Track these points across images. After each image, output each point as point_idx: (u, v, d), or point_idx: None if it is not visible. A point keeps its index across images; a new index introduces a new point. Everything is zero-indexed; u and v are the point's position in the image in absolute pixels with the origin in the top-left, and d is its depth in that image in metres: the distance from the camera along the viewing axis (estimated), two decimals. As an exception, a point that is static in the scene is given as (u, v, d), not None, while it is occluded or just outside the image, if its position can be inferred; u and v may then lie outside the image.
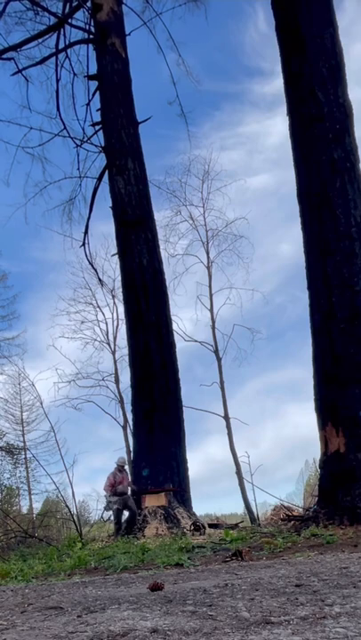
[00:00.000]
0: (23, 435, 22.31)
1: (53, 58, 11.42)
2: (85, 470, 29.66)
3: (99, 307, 19.18)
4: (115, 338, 18.74)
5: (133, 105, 10.04)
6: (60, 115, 12.02)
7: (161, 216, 17.19)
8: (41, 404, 15.38)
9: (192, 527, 8.65)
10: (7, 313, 21.86)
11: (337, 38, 6.75)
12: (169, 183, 17.20)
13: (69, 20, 10.90)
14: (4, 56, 11.18)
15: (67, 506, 12.60)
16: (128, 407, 17.76)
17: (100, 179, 11.45)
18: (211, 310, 17.40)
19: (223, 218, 17.50)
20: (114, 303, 18.93)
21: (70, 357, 19.16)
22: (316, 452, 6.28)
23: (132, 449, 16.65)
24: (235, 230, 17.38)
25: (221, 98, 32.99)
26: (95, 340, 18.92)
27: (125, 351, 16.87)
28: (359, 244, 5.97)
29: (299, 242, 6.61)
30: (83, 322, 18.95)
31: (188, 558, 4.12)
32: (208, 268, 17.44)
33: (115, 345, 18.71)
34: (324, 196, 6.20)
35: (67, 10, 11.03)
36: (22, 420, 22.51)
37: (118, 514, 8.99)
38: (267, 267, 28.23)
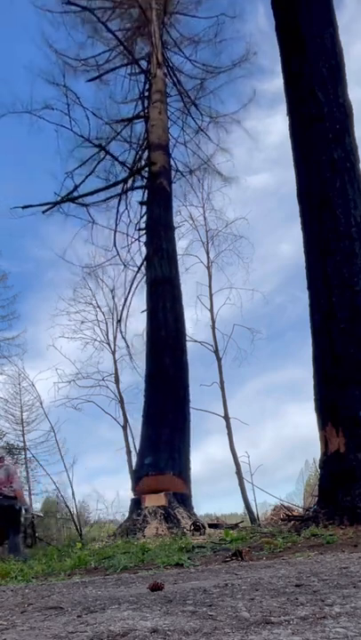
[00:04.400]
0: (23, 435, 22.35)
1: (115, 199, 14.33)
2: (85, 470, 29.68)
3: (99, 307, 19.21)
4: (115, 338, 18.76)
5: (173, 231, 12.51)
6: (115, 246, 15.18)
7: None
8: (41, 404, 15.43)
9: (192, 527, 8.65)
10: (7, 313, 21.93)
11: (337, 38, 6.76)
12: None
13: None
14: (78, 201, 14.13)
15: (67, 506, 12.63)
16: (128, 407, 17.82)
17: (138, 268, 14.48)
18: (211, 310, 17.49)
19: (223, 218, 17.57)
20: (114, 303, 18.95)
21: (70, 357, 19.14)
22: (316, 451, 6.29)
23: (131, 448, 16.75)
24: (235, 230, 17.45)
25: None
26: (95, 339, 18.94)
27: (125, 351, 17.24)
28: (359, 244, 5.97)
29: (299, 242, 6.62)
30: (83, 322, 18.98)
31: (188, 558, 4.12)
32: (208, 268, 17.49)
33: (115, 345, 18.72)
34: (324, 196, 6.20)
35: (136, 164, 13.82)
36: (22, 419, 22.54)
37: None
38: (267, 267, 28.24)
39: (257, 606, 1.81)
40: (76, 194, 13.81)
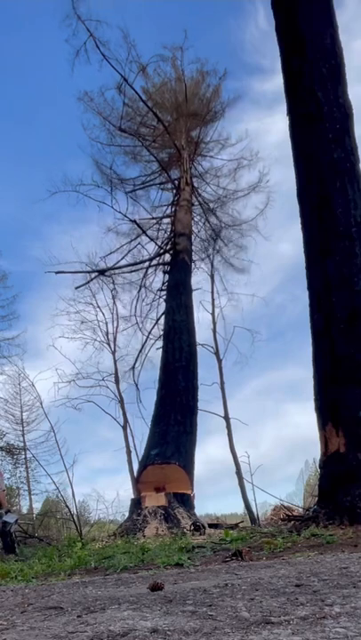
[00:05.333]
0: (23, 435, 22.31)
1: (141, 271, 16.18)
2: (85, 470, 29.61)
3: (99, 307, 19.17)
4: (115, 338, 18.73)
5: (192, 292, 14.26)
6: (136, 317, 16.63)
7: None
8: (41, 404, 15.37)
9: (192, 527, 8.65)
10: (7, 313, 21.86)
11: (337, 38, 6.76)
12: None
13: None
14: (107, 273, 15.80)
15: (67, 506, 12.62)
16: (128, 407, 17.81)
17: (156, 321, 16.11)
18: (212, 314, 17.72)
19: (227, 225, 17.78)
20: (114, 303, 18.95)
21: (70, 357, 19.09)
22: (316, 451, 6.28)
23: (131, 448, 16.79)
24: (238, 239, 17.72)
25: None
26: (95, 339, 18.91)
27: (125, 351, 17.96)
28: (359, 244, 5.97)
29: (299, 242, 6.62)
30: (83, 322, 18.94)
31: (188, 558, 4.12)
32: (211, 276, 17.88)
33: (115, 345, 18.70)
34: (324, 196, 6.19)
35: (164, 247, 15.74)
36: (22, 420, 22.50)
37: None
38: (267, 266, 28.17)
39: (257, 606, 1.81)
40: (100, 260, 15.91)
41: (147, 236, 15.53)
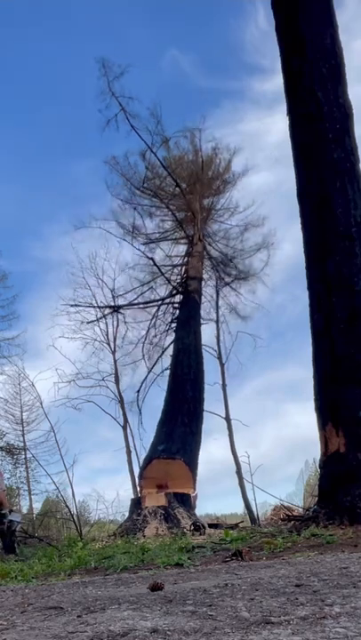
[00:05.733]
0: (23, 435, 22.30)
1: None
2: (85, 470, 29.59)
3: (99, 307, 19.15)
4: (115, 338, 18.74)
5: (200, 325, 15.34)
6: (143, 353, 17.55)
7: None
8: (41, 404, 15.36)
9: (192, 527, 8.66)
10: (7, 313, 21.84)
11: (337, 38, 6.75)
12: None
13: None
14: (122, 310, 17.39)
15: (67, 506, 12.60)
16: (128, 407, 17.82)
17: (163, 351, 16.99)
18: (217, 322, 18.24)
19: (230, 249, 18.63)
20: (114, 303, 18.93)
21: (70, 357, 19.08)
22: (316, 451, 6.27)
23: (131, 448, 16.80)
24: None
25: (222, 95, 32.97)
26: (95, 339, 18.90)
27: (124, 352, 18.36)
28: (359, 244, 5.96)
29: (299, 242, 6.61)
30: (83, 322, 18.93)
31: (188, 558, 4.12)
32: (217, 291, 18.47)
33: (115, 345, 18.70)
34: (324, 196, 6.19)
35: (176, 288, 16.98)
36: (22, 420, 22.49)
37: None
38: (267, 266, 28.14)
39: (257, 606, 1.81)
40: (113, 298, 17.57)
41: (162, 274, 16.84)
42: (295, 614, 1.60)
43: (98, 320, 17.16)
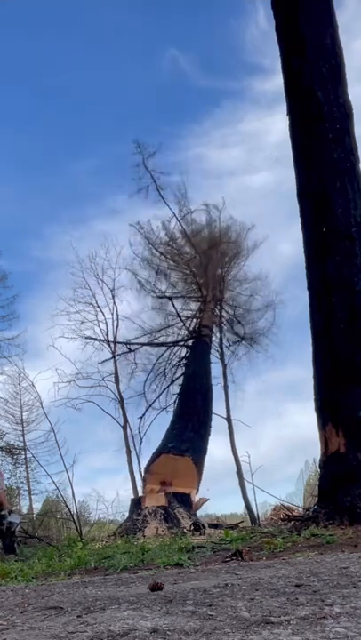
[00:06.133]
0: (23, 435, 22.29)
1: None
2: (85, 470, 29.57)
3: (99, 307, 19.16)
4: (115, 338, 18.73)
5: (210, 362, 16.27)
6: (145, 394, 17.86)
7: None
8: (41, 404, 15.35)
9: (192, 527, 8.66)
10: (7, 313, 21.84)
11: (337, 38, 6.75)
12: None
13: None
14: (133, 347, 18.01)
15: (67, 506, 12.60)
16: (128, 407, 17.84)
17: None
18: (220, 330, 18.51)
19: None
20: (114, 303, 18.95)
21: (70, 357, 19.09)
22: (316, 451, 6.27)
23: (131, 448, 16.84)
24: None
25: (222, 95, 33.03)
26: (95, 339, 18.89)
27: (125, 349, 18.57)
28: (359, 244, 5.96)
29: (299, 242, 6.61)
30: (83, 322, 18.93)
31: (188, 558, 4.12)
32: (220, 305, 18.70)
33: (115, 345, 18.70)
34: (324, 196, 6.19)
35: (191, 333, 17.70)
36: (22, 419, 22.48)
37: None
38: (266, 266, 28.15)
39: (257, 606, 1.81)
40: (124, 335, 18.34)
41: (179, 317, 18.14)
42: (295, 614, 1.60)
43: (112, 358, 17.96)
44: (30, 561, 5.84)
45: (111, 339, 18.57)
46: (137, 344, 17.78)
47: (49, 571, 4.72)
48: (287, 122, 6.97)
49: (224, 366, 17.67)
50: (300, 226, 6.60)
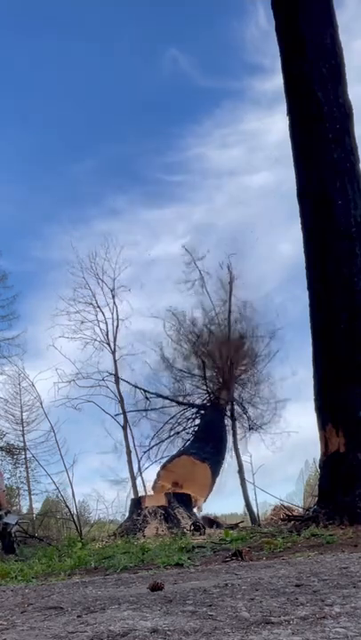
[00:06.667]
0: (23, 435, 22.29)
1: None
2: (85, 470, 29.55)
3: (99, 307, 19.16)
4: (115, 338, 18.75)
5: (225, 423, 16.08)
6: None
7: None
8: (41, 404, 15.37)
9: (192, 527, 8.66)
10: (7, 313, 21.87)
11: (337, 38, 6.75)
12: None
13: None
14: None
15: (67, 506, 12.61)
16: (128, 407, 17.85)
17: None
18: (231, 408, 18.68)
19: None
20: (114, 303, 18.96)
21: (70, 357, 19.10)
22: (316, 451, 6.28)
23: (131, 448, 16.88)
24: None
25: (222, 95, 32.93)
26: (95, 339, 18.91)
27: (125, 351, 18.64)
28: (359, 244, 5.97)
29: (299, 242, 6.60)
30: (83, 322, 18.94)
31: (188, 558, 4.12)
32: (229, 303, 18.53)
33: (115, 345, 18.71)
34: (324, 196, 6.19)
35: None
36: (22, 419, 22.48)
37: None
38: (266, 266, 28.15)
39: (257, 606, 1.81)
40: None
41: (205, 380, 18.10)
42: (295, 614, 1.60)
43: (126, 413, 17.84)
44: (30, 561, 5.84)
45: (111, 339, 18.56)
46: (156, 394, 17.71)
47: (49, 571, 4.73)
48: (287, 122, 6.97)
49: (233, 421, 17.84)
50: (300, 226, 6.61)
